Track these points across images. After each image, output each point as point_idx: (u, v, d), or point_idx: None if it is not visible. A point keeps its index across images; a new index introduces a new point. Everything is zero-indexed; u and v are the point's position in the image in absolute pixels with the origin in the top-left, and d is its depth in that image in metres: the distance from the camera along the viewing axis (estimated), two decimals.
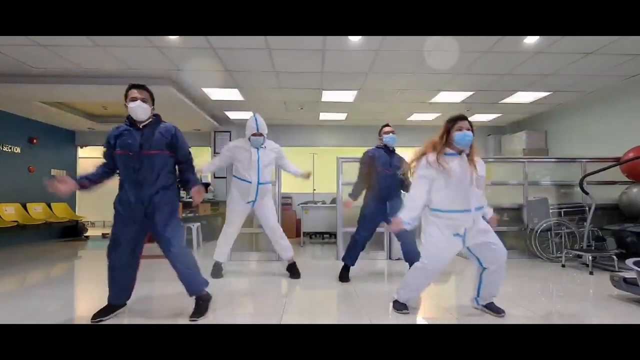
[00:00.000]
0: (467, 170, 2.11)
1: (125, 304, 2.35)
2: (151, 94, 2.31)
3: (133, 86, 2.25)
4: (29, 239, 6.05)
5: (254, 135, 3.27)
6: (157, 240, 2.26)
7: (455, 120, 2.15)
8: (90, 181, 2.23)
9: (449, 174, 2.08)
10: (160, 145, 2.24)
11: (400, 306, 2.42)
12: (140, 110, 2.20)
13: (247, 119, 3.39)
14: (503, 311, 2.31)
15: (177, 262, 2.25)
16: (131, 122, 2.24)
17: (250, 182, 3.26)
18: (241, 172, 3.33)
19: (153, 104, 2.32)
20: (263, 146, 3.33)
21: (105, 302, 2.27)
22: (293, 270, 3.45)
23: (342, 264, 3.40)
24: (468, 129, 2.12)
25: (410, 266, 3.37)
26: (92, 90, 4.86)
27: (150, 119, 2.29)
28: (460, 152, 2.15)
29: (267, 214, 3.38)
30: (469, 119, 2.20)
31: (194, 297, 2.32)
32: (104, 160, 2.28)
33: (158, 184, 2.21)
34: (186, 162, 2.36)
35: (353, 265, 3.37)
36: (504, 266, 2.27)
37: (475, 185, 2.12)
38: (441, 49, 3.99)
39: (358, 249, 3.32)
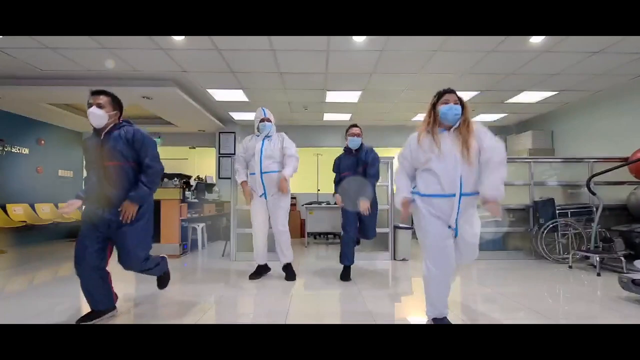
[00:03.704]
0: (454, 148, 1.86)
1: (115, 308, 2.28)
2: (113, 99, 2.16)
3: (92, 92, 2.14)
4: (36, 238, 6.13)
5: (261, 121, 3.31)
6: (119, 251, 2.16)
7: (441, 94, 1.96)
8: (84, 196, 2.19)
9: (433, 150, 1.89)
10: (122, 153, 2.10)
11: (438, 322, 2.05)
12: (92, 117, 2.08)
13: (251, 120, 3.42)
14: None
15: (136, 270, 2.25)
16: (95, 131, 2.16)
17: (254, 174, 3.27)
18: (250, 169, 3.36)
19: (116, 109, 2.17)
20: (270, 139, 3.32)
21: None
22: (288, 271, 3.41)
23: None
24: (455, 102, 1.91)
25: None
26: None
27: (111, 125, 2.15)
28: (448, 129, 1.93)
29: (276, 212, 3.30)
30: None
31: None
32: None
33: (125, 200, 2.09)
34: (143, 167, 2.15)
35: (352, 263, 3.42)
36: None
37: (468, 165, 1.85)
38: (446, 49, 3.98)
39: (348, 246, 3.39)
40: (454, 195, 1.87)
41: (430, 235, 1.94)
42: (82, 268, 2.10)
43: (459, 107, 1.92)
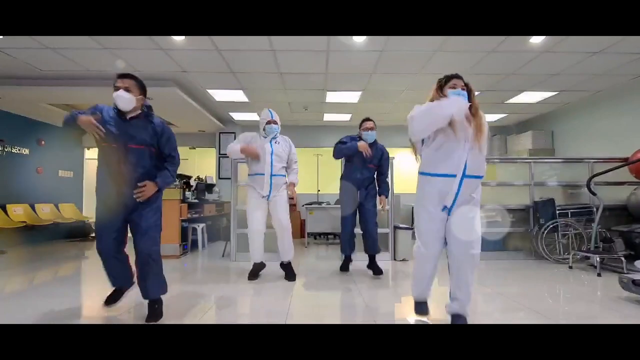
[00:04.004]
0: (467, 133, 1.87)
1: (134, 283, 2.34)
2: (139, 83, 2.20)
3: (118, 75, 2.17)
4: (37, 239, 6.12)
5: (268, 123, 3.29)
6: (134, 234, 2.20)
7: (449, 78, 1.98)
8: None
9: (448, 130, 1.87)
10: (146, 140, 2.17)
11: (419, 308, 2.17)
12: (120, 100, 2.10)
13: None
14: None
15: (145, 264, 2.20)
16: (118, 112, 2.16)
17: (263, 174, 3.24)
18: (253, 169, 3.32)
19: (142, 94, 2.21)
20: (277, 141, 3.33)
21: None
22: (288, 271, 3.40)
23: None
24: (463, 88, 1.95)
25: (369, 258, 3.56)
26: (98, 92, 4.91)
27: (139, 111, 2.20)
28: None
29: (278, 208, 3.29)
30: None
31: (147, 300, 2.27)
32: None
33: (142, 181, 2.14)
34: (167, 159, 2.30)
35: (352, 252, 3.56)
36: (468, 271, 1.93)
37: (478, 150, 1.87)
38: (446, 49, 3.99)
39: (347, 237, 3.51)
40: (454, 175, 1.88)
41: (423, 219, 2.02)
42: (102, 251, 2.20)
43: (465, 93, 1.94)
